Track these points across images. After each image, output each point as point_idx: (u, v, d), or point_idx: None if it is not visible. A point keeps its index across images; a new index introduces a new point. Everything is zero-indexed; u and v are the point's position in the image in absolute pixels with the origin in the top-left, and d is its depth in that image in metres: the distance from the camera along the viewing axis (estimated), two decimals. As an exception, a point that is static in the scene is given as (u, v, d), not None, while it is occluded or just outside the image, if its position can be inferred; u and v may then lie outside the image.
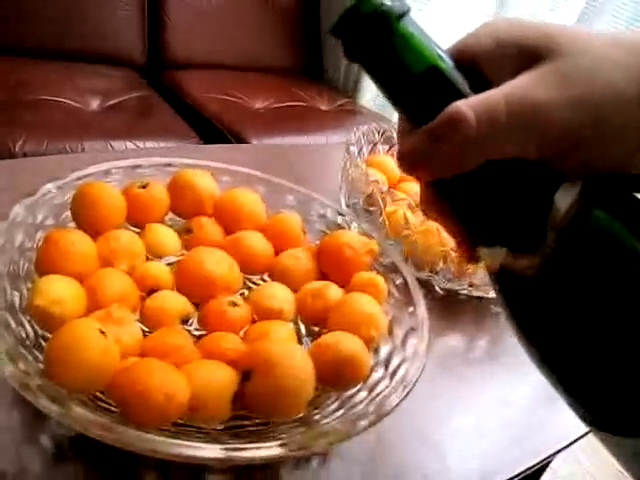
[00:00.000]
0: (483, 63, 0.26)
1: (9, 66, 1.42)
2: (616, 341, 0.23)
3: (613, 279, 0.23)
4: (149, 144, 1.28)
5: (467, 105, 0.24)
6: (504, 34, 0.26)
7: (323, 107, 1.80)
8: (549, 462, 0.64)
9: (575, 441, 0.53)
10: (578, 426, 0.52)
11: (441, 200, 0.28)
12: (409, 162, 0.26)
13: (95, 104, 1.43)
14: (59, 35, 1.55)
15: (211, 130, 1.49)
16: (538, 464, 0.50)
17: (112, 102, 1.45)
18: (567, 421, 0.53)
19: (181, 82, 1.68)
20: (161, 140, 1.32)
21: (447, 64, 0.26)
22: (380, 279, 0.49)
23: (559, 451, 0.52)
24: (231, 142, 1.45)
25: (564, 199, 0.24)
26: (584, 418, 0.26)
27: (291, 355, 0.39)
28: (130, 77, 1.63)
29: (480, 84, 0.25)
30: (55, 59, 1.53)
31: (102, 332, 0.36)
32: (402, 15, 0.25)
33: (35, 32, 1.51)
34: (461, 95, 0.25)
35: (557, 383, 0.26)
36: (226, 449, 0.33)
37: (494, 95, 0.24)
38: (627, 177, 0.25)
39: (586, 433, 0.53)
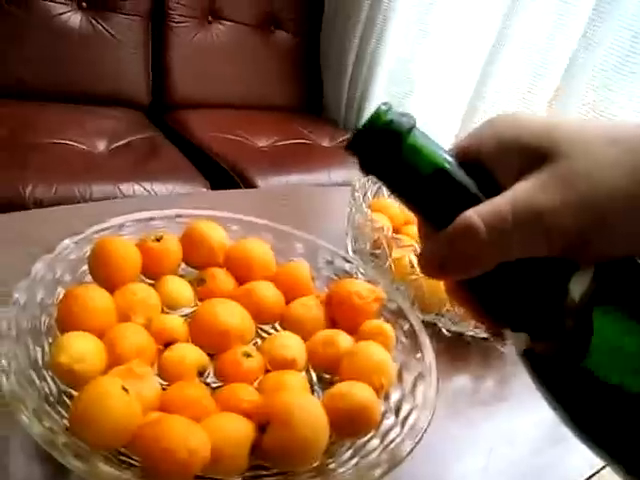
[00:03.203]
0: (487, 163, 0.28)
1: (16, 109, 1.46)
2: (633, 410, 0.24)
3: (631, 359, 0.24)
4: (156, 186, 1.31)
5: (477, 214, 0.25)
6: (506, 134, 0.27)
7: (325, 144, 1.84)
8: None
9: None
10: (587, 466, 0.54)
11: (465, 291, 0.30)
12: (429, 267, 0.28)
13: (102, 146, 1.46)
14: (64, 77, 1.59)
15: (216, 169, 1.52)
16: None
17: (118, 144, 1.48)
18: (575, 461, 0.54)
19: (185, 122, 1.71)
20: (167, 182, 1.34)
21: (453, 165, 0.28)
22: (389, 327, 0.50)
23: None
24: (235, 181, 1.47)
25: (577, 287, 0.25)
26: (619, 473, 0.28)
27: (306, 406, 0.41)
28: (135, 118, 1.66)
29: (486, 181, 0.27)
30: (60, 101, 1.56)
31: (125, 389, 0.38)
32: (411, 129, 0.27)
33: (40, 74, 1.55)
34: (469, 194, 0.27)
35: (592, 446, 0.27)
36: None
37: (501, 203, 0.25)
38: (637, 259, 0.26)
39: (594, 474, 0.54)
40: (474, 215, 0.25)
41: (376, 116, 0.27)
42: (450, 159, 0.28)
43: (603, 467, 0.52)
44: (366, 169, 0.29)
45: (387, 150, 0.27)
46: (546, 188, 0.25)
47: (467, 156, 0.28)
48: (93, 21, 1.60)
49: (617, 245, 0.25)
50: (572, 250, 0.25)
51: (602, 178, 0.24)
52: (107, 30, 1.62)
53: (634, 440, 0.25)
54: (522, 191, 0.25)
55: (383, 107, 0.27)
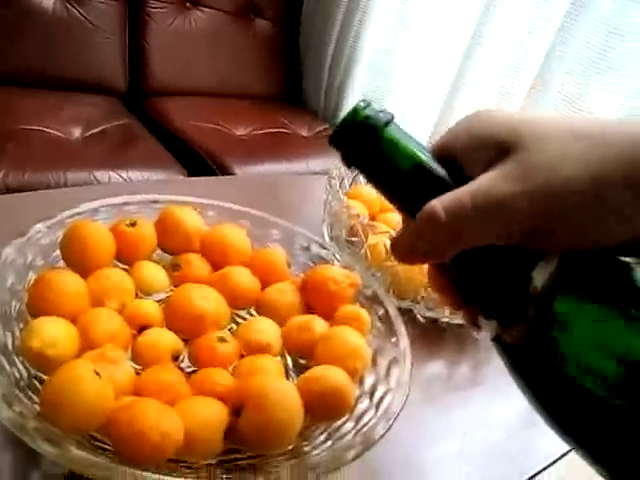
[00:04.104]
0: (460, 157, 0.29)
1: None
2: (593, 401, 0.25)
3: (593, 347, 0.25)
4: (132, 174, 1.29)
5: (440, 202, 0.27)
6: (478, 129, 0.29)
7: (304, 133, 1.83)
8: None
9: (556, 461, 0.55)
10: (560, 446, 0.55)
11: (444, 278, 0.31)
12: (398, 252, 0.30)
13: (77, 133, 1.43)
14: (39, 63, 1.55)
15: (193, 158, 1.51)
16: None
17: (94, 131, 1.46)
18: (549, 442, 0.55)
19: (163, 109, 1.69)
20: (144, 170, 1.32)
21: (429, 160, 0.29)
22: (364, 312, 0.51)
23: (542, 471, 0.54)
24: (213, 169, 1.46)
25: (540, 275, 0.26)
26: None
27: (281, 389, 0.41)
28: (112, 105, 1.64)
29: (459, 175, 0.29)
30: (35, 87, 1.53)
31: (97, 373, 0.37)
32: (388, 123, 0.29)
33: (15, 61, 1.52)
34: (440, 185, 0.28)
35: (559, 431, 0.28)
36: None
37: (462, 192, 0.27)
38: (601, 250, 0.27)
39: (567, 452, 0.55)
40: (438, 204, 0.27)
41: (354, 112, 0.29)
42: (425, 152, 0.30)
43: (570, 449, 0.53)
44: (347, 162, 0.31)
45: (366, 144, 0.29)
46: (507, 178, 0.26)
47: (444, 152, 0.30)
48: (68, 5, 1.57)
49: (576, 236, 0.26)
50: (532, 239, 0.26)
51: (564, 171, 0.25)
52: (82, 15, 1.59)
53: (597, 428, 0.25)
54: (485, 180, 0.27)
55: (361, 103, 0.29)
